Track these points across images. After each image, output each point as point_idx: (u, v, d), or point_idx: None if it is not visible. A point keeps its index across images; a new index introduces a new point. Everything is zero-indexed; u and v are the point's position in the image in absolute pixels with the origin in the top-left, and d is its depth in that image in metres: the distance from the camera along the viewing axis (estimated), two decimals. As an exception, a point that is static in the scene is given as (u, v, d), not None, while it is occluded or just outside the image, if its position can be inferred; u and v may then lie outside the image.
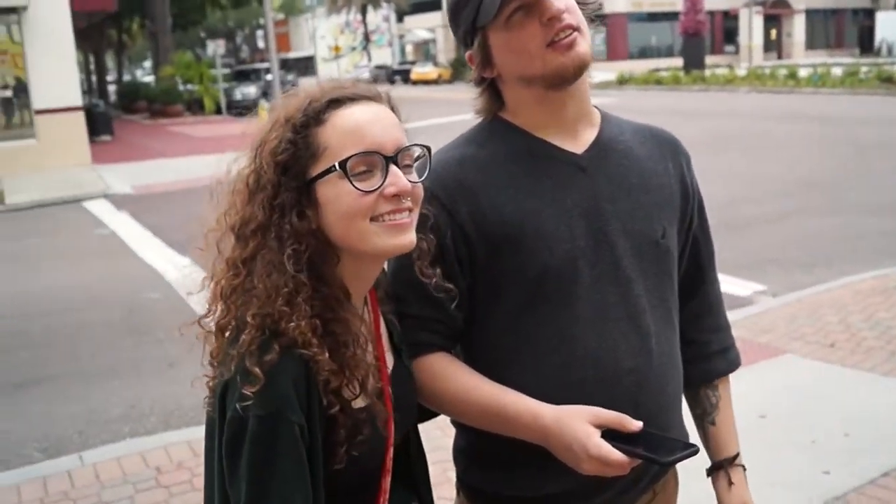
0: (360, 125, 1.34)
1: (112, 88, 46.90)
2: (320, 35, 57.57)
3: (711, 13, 46.65)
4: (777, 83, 30.72)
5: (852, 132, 16.85)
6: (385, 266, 1.53)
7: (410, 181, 1.36)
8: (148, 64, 56.24)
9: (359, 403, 1.34)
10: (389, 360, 1.49)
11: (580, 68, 1.52)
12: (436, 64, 52.83)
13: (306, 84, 1.46)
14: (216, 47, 26.58)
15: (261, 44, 67.11)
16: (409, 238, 1.37)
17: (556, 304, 1.55)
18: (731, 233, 8.97)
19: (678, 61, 40.53)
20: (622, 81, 36.52)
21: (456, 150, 1.64)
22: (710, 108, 24.16)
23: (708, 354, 1.82)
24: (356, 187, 1.31)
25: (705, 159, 14.03)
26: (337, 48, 51.50)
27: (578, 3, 1.58)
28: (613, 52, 51.21)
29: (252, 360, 1.23)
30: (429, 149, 1.45)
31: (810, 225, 9.27)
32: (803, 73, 31.94)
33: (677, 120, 20.69)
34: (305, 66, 47.73)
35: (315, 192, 1.34)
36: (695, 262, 1.81)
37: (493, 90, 1.65)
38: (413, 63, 57.07)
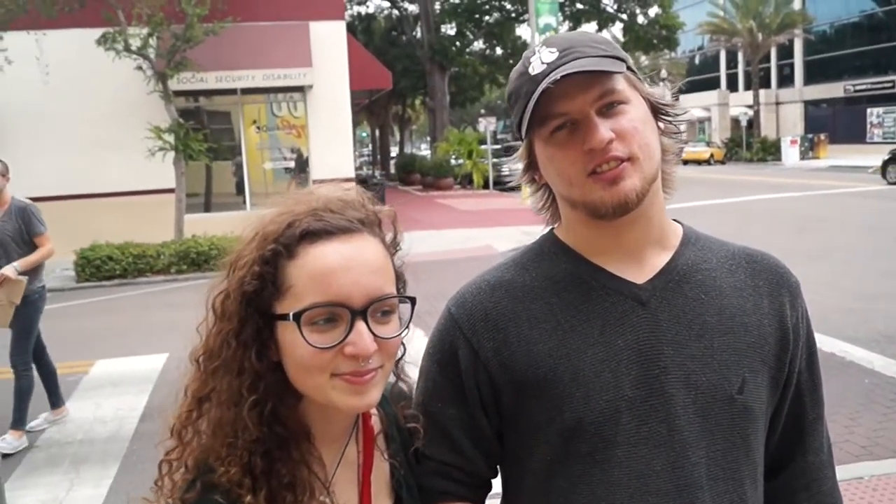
0: (326, 272, 1.20)
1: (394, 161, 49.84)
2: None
3: None
4: None
5: None
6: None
7: (382, 337, 1.22)
8: (431, 138, 59.76)
9: None
10: None
11: (622, 206, 1.29)
12: (709, 143, 50.56)
13: (304, 193, 1.34)
14: (487, 124, 27.52)
15: (536, 120, 69.92)
16: (370, 398, 1.24)
17: (589, 465, 1.31)
18: None
19: None
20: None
21: (494, 274, 1.45)
22: None
23: None
24: (310, 343, 1.18)
25: None
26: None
27: (658, 110, 1.36)
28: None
29: (176, 496, 1.22)
30: (413, 300, 1.31)
31: None
32: None
33: None
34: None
35: (276, 329, 1.23)
36: (795, 422, 1.47)
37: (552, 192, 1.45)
38: (685, 142, 54.71)
